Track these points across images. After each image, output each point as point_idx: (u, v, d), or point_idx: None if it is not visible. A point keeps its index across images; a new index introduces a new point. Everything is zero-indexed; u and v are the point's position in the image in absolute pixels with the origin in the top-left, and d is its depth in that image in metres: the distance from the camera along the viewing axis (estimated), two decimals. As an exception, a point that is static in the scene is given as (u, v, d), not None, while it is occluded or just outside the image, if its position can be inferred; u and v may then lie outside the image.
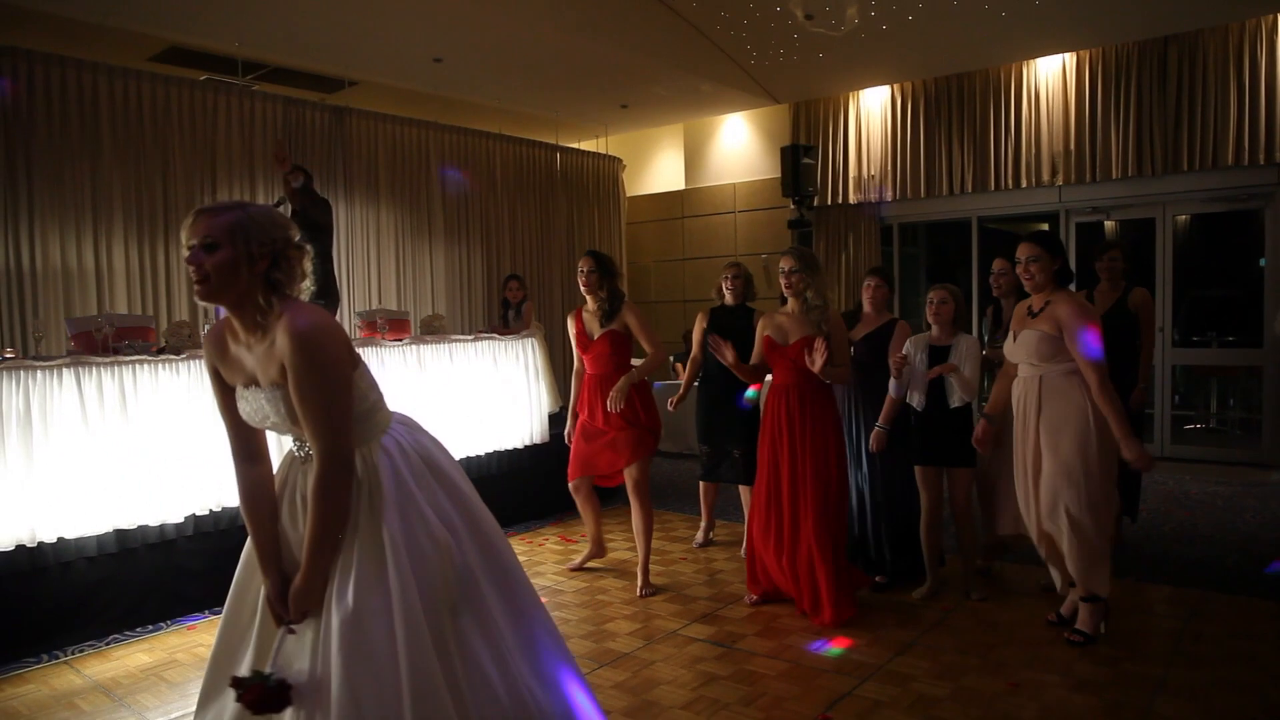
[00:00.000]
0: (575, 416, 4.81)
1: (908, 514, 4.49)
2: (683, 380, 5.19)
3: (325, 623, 1.97)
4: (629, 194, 10.84)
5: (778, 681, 3.43)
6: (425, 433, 2.31)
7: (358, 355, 2.14)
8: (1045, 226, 9.17)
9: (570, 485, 4.82)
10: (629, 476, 4.54)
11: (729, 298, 5.00)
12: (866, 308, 4.63)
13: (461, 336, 6.17)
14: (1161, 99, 7.58)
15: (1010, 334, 3.87)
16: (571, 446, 4.75)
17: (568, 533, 5.82)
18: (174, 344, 4.48)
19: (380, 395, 2.22)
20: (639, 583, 4.56)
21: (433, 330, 6.34)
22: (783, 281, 4.14)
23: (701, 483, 5.34)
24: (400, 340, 5.61)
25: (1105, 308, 4.98)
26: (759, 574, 4.31)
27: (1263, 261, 7.55)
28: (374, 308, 7.24)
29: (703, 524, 5.49)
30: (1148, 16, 7.23)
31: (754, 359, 4.37)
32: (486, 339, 6.20)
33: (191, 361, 4.39)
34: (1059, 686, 3.35)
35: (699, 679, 3.49)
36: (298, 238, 2.07)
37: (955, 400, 4.18)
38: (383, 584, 1.96)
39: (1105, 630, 3.77)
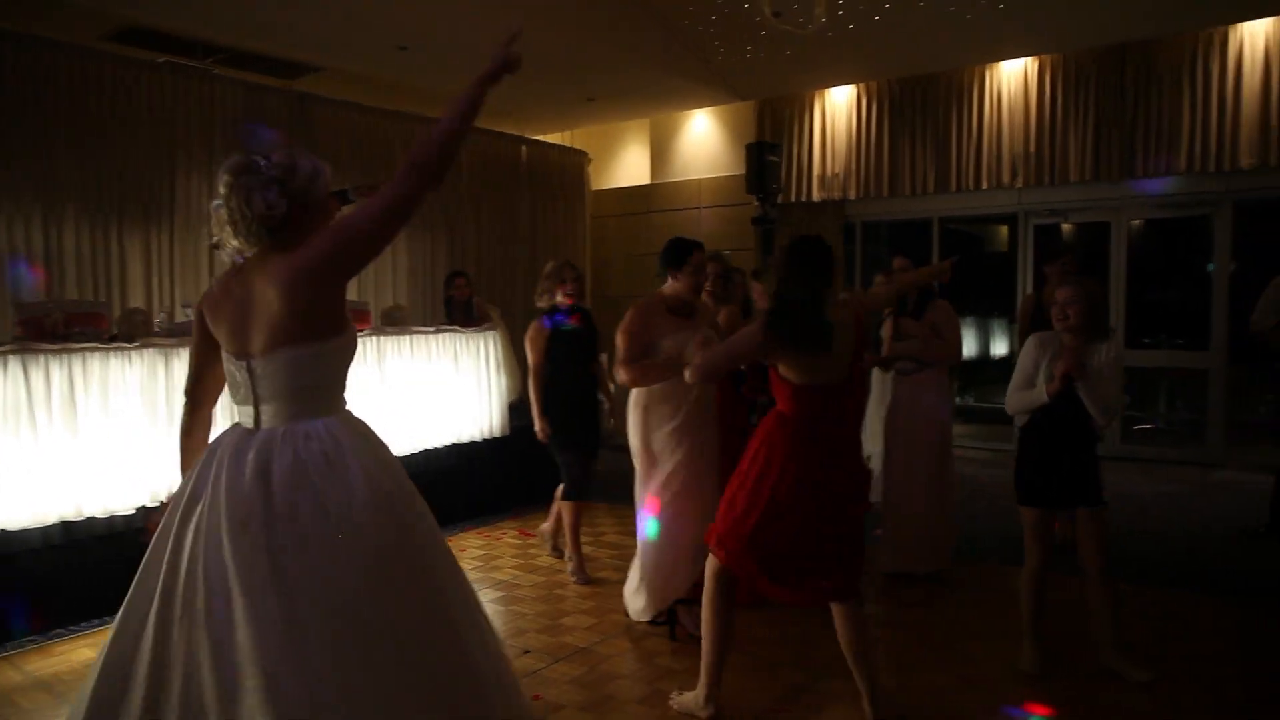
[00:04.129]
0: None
1: None
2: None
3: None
4: (594, 188, 10.81)
5: (734, 675, 3.45)
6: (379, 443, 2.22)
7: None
8: (1005, 228, 9.32)
9: None
10: None
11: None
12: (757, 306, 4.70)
13: (422, 328, 6.12)
14: (1119, 106, 7.72)
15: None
16: None
17: (526, 526, 5.80)
18: (126, 331, 4.39)
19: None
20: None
21: (393, 321, 6.28)
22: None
23: (572, 503, 4.79)
24: (360, 331, 5.54)
25: None
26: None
27: (1211, 267, 7.74)
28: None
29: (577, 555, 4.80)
30: (1104, 24, 7.34)
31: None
32: (448, 331, 6.15)
33: (145, 350, 4.30)
34: (1010, 680, 3.42)
35: (655, 673, 3.50)
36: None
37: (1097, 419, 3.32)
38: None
39: (693, 635, 3.68)
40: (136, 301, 6.39)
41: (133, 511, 4.24)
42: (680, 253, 3.67)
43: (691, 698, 3.15)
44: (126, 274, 6.51)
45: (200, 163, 6.89)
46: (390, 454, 2.18)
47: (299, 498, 1.93)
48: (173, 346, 4.40)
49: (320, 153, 7.20)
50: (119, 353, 4.22)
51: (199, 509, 1.97)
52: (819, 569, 2.98)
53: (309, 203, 2.10)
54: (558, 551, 5.16)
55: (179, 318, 5.29)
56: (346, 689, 1.86)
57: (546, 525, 5.27)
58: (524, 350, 8.00)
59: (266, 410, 2.03)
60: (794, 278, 2.96)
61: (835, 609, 3.03)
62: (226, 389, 2.17)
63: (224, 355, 2.10)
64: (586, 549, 5.05)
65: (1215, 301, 7.67)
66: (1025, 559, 3.52)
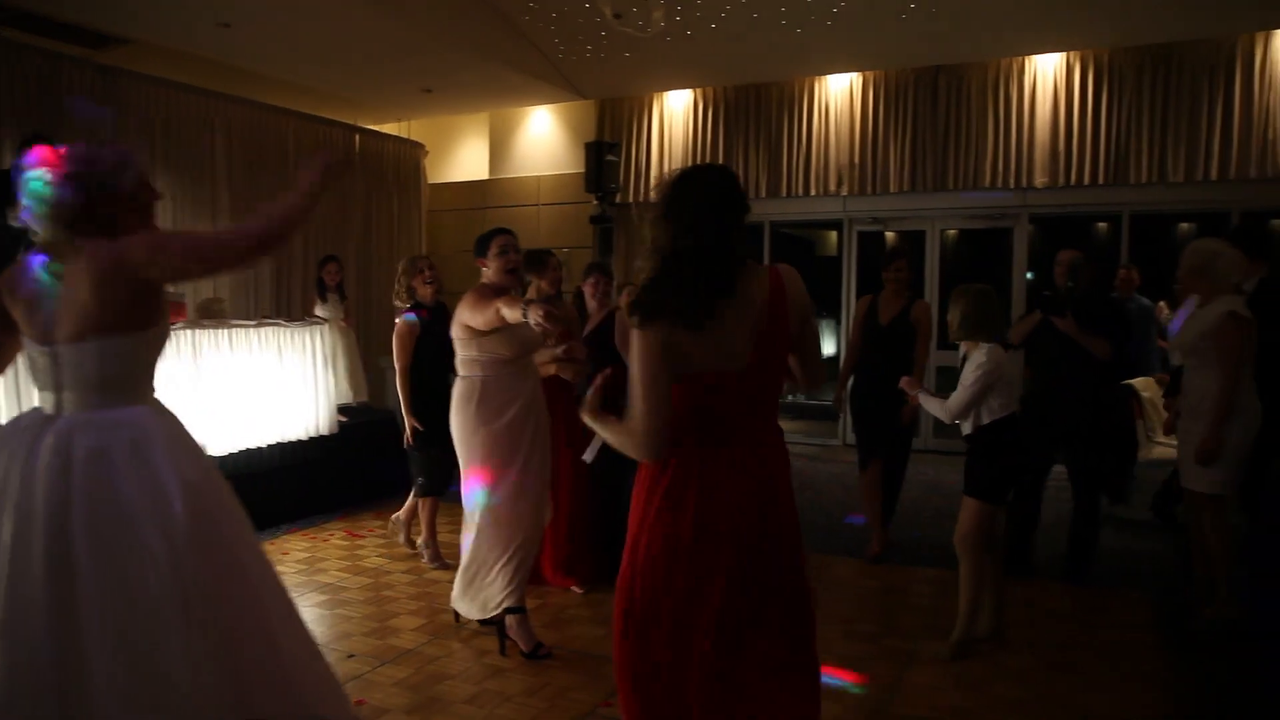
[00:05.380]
0: None
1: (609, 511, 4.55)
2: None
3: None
4: (431, 181, 10.59)
5: (562, 672, 3.47)
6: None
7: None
8: (833, 234, 9.79)
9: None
10: None
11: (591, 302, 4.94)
12: (589, 303, 4.77)
13: (243, 322, 5.81)
14: (933, 122, 8.26)
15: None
16: None
17: (354, 527, 5.61)
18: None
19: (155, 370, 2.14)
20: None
21: (212, 314, 5.94)
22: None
23: (434, 497, 4.91)
24: (174, 325, 5.19)
25: (889, 317, 5.03)
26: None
27: (1029, 275, 8.40)
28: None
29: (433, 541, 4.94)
30: (919, 47, 7.84)
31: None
32: (270, 325, 5.86)
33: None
34: (824, 663, 3.58)
35: (484, 672, 3.47)
36: None
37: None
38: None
39: (523, 652, 3.61)
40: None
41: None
42: (484, 239, 3.77)
43: None
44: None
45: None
46: (199, 447, 2.14)
47: (95, 486, 1.89)
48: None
49: (129, 132, 6.69)
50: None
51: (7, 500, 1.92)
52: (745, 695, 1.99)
53: (117, 194, 2.06)
54: (410, 543, 5.05)
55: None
56: (130, 684, 1.82)
57: (401, 513, 5.16)
58: (358, 347, 7.82)
59: (69, 397, 1.99)
60: (681, 216, 1.99)
61: None
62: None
63: (24, 339, 2.05)
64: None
65: (1014, 307, 8.33)
66: None
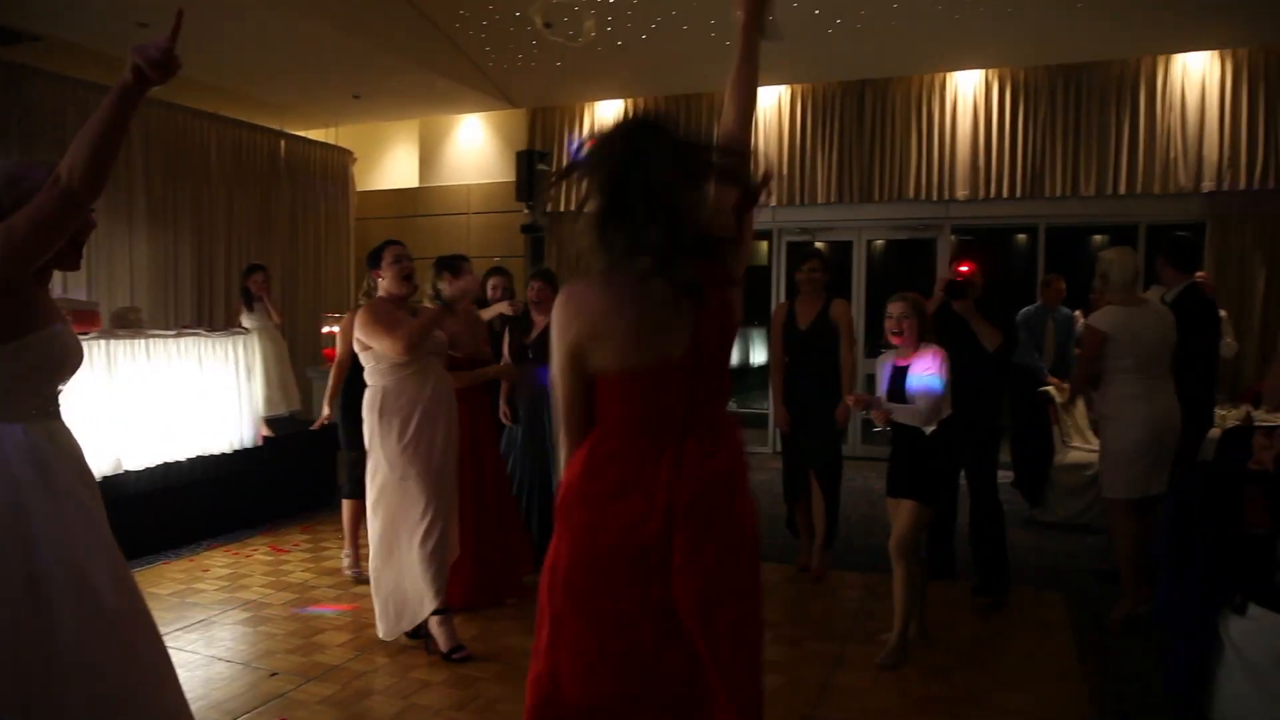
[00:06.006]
0: None
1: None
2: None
3: None
4: (360, 188, 10.43)
5: (491, 684, 3.44)
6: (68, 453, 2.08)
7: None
8: (764, 243, 9.92)
9: None
10: None
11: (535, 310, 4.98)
12: (534, 312, 4.86)
13: (161, 332, 5.63)
14: (859, 135, 8.46)
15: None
16: None
17: (278, 542, 5.48)
18: None
19: (44, 386, 2.05)
20: None
21: (127, 324, 5.75)
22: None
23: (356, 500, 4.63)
24: (86, 334, 5.02)
25: (808, 320, 5.02)
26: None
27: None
28: (56, 297, 6.42)
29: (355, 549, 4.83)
30: (847, 61, 8.03)
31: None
32: (191, 335, 5.70)
33: None
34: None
35: (412, 687, 3.42)
36: None
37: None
38: None
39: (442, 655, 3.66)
40: None
41: None
42: (376, 252, 3.82)
43: None
44: None
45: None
46: (48, 475, 1.99)
47: None
48: None
49: (39, 132, 6.44)
50: None
51: None
52: None
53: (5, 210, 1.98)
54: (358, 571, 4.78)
55: None
56: None
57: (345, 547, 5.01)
58: (287, 358, 7.63)
59: None
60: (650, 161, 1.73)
61: None
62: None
63: None
64: (336, 563, 4.87)
65: (937, 316, 8.55)
66: None
